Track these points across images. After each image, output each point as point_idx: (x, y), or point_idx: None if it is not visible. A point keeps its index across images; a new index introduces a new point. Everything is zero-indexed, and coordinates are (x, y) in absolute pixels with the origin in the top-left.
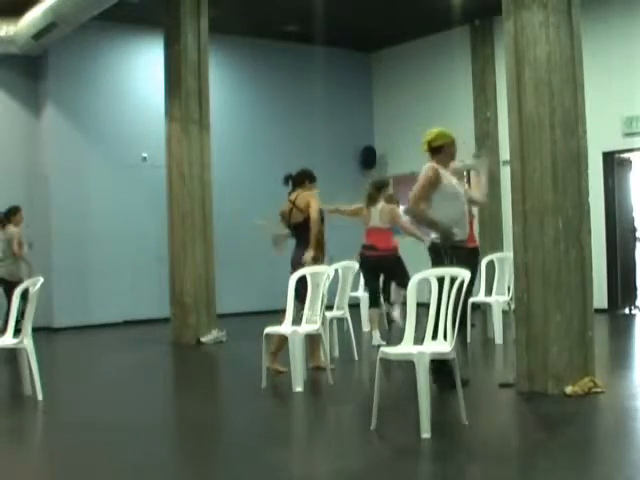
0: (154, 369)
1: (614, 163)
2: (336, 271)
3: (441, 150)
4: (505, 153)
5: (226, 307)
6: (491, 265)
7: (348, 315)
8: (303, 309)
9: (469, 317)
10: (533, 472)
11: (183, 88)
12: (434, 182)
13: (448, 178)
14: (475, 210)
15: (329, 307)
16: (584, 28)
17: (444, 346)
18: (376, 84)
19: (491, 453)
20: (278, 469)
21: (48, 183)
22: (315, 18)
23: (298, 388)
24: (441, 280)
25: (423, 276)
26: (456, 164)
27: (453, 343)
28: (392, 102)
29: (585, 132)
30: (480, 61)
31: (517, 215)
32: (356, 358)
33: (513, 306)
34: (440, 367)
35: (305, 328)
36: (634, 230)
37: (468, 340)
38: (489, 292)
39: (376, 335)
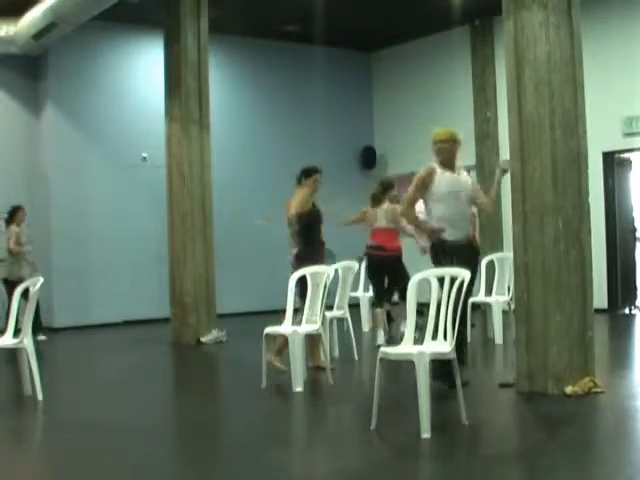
0: (154, 369)
1: (614, 163)
2: (336, 271)
3: (442, 149)
4: (505, 153)
5: (226, 307)
6: (491, 265)
7: (348, 315)
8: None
9: (469, 317)
10: (533, 472)
11: (183, 88)
12: (426, 182)
13: (446, 178)
14: (475, 210)
15: (329, 307)
16: (584, 28)
17: (444, 346)
18: (376, 84)
19: (491, 453)
20: (278, 469)
21: (48, 183)
22: (315, 18)
23: (298, 388)
24: (442, 280)
25: (423, 276)
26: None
27: (453, 343)
28: (392, 102)
29: (585, 132)
30: (480, 61)
31: (517, 215)
32: (356, 358)
33: (513, 306)
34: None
35: (305, 328)
36: (634, 230)
37: (468, 340)
38: (489, 292)
39: (380, 335)
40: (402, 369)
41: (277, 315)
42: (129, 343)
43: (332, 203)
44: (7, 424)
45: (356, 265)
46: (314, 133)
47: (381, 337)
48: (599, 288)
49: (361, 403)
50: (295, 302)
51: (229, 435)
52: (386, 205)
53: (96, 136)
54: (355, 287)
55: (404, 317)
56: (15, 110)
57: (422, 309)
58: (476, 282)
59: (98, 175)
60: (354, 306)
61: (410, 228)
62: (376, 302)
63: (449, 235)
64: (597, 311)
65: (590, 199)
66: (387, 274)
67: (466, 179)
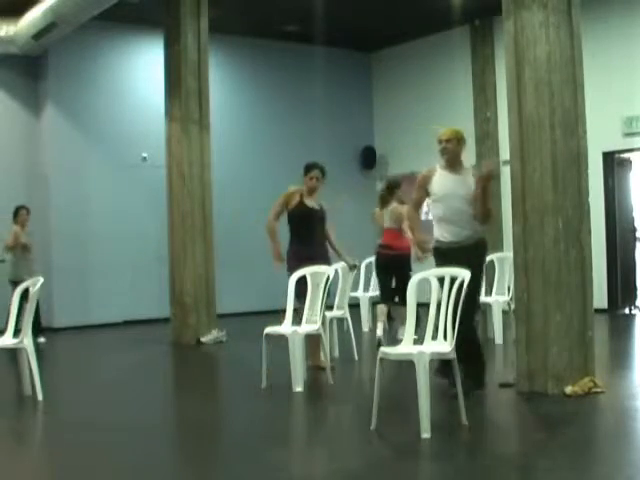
0: (154, 369)
1: (614, 163)
2: (336, 271)
3: (447, 149)
4: (505, 153)
5: (226, 307)
6: (491, 265)
7: (348, 315)
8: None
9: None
10: (533, 472)
11: (183, 88)
12: (424, 183)
13: (445, 178)
14: None
15: (329, 307)
16: (584, 28)
17: (444, 346)
18: (376, 84)
19: (491, 453)
20: (278, 469)
21: (48, 183)
22: (315, 18)
23: (298, 388)
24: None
25: (423, 276)
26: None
27: (453, 343)
28: (392, 102)
29: (585, 132)
30: (480, 61)
31: (517, 215)
32: (356, 358)
33: (513, 306)
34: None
35: (305, 328)
36: (634, 230)
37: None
38: (489, 292)
39: (380, 327)
40: (402, 369)
41: (277, 315)
42: (129, 343)
43: (332, 203)
44: (7, 424)
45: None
46: (314, 133)
47: (380, 329)
48: (599, 288)
49: (361, 403)
50: (295, 302)
51: (229, 435)
52: (392, 206)
53: (96, 136)
54: (355, 287)
55: (402, 322)
56: (15, 110)
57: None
58: None
59: (98, 175)
60: (354, 306)
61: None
62: (381, 298)
63: (445, 237)
64: (597, 311)
65: (590, 199)
66: (394, 273)
67: (467, 182)
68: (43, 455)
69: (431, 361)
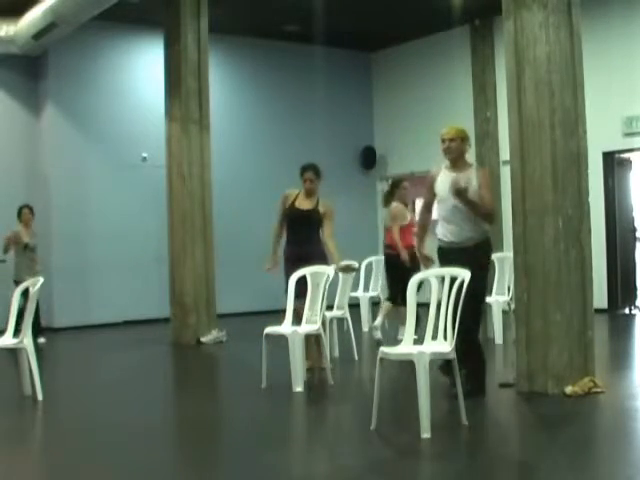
0: (154, 369)
1: (614, 163)
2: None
3: (450, 148)
4: (505, 153)
5: (226, 307)
6: (491, 265)
7: (348, 315)
8: (302, 308)
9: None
10: (533, 472)
11: (183, 88)
12: (430, 185)
13: (448, 178)
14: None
15: (329, 307)
16: (584, 28)
17: (444, 346)
18: (376, 84)
19: (491, 453)
20: (278, 469)
21: (48, 183)
22: (315, 18)
23: (298, 388)
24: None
25: (423, 276)
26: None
27: (453, 343)
28: (392, 102)
29: (585, 132)
30: (480, 61)
31: (517, 215)
32: (356, 358)
33: (513, 306)
34: (473, 370)
35: (305, 328)
36: (634, 230)
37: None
38: (489, 292)
39: (379, 320)
40: (402, 369)
41: (277, 315)
42: (129, 343)
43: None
44: (7, 424)
45: (356, 264)
46: (314, 133)
47: (378, 321)
48: (599, 288)
49: (361, 403)
50: (295, 302)
51: (229, 435)
52: (392, 205)
53: (96, 136)
54: (355, 287)
55: (402, 322)
56: (15, 110)
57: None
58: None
59: (98, 175)
60: (354, 306)
61: (395, 234)
62: (388, 297)
63: (447, 237)
64: (597, 311)
65: (590, 199)
66: (395, 272)
67: (468, 181)
68: (43, 455)
69: (432, 360)
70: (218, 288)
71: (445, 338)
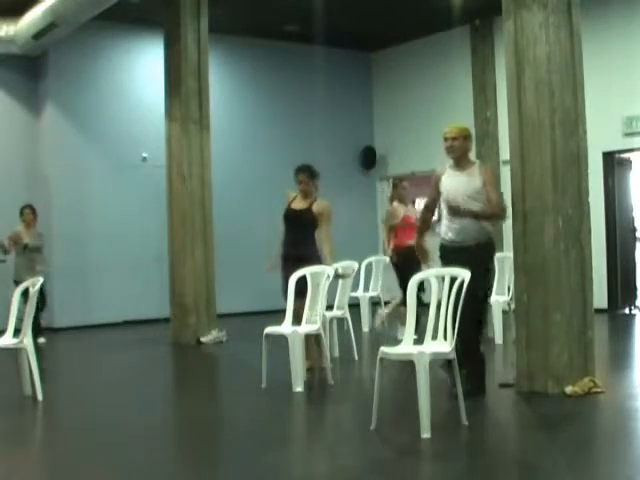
0: (154, 369)
1: (614, 163)
2: (336, 270)
3: (453, 147)
4: (505, 153)
5: (226, 307)
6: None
7: (348, 315)
8: (302, 308)
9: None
10: (533, 472)
11: (183, 88)
12: (435, 184)
13: (451, 177)
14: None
15: (329, 307)
16: (584, 28)
17: (444, 346)
18: (376, 84)
19: (491, 453)
20: (278, 469)
21: (48, 183)
22: (315, 18)
23: (298, 388)
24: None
25: (423, 276)
26: None
27: (453, 343)
28: (392, 102)
29: (585, 132)
30: (480, 61)
31: (517, 215)
32: (356, 358)
33: (513, 306)
34: (473, 370)
35: (305, 328)
36: (634, 230)
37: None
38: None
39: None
40: (402, 369)
41: (277, 315)
42: (129, 343)
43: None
44: (7, 424)
45: (356, 265)
46: (314, 133)
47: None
48: (599, 288)
49: (361, 403)
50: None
51: (229, 435)
52: (392, 204)
53: (96, 136)
54: (355, 287)
55: (402, 322)
56: (15, 110)
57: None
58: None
59: (98, 175)
60: (354, 306)
61: (384, 234)
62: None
63: (448, 236)
64: (597, 311)
65: (590, 199)
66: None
67: (472, 179)
68: (43, 455)
69: (432, 360)
70: (218, 288)
71: (445, 338)
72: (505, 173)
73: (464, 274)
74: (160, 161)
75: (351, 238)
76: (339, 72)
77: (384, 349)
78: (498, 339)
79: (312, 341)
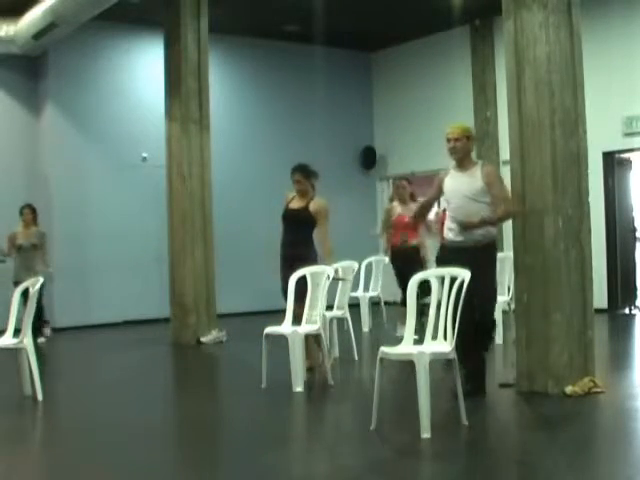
0: (154, 369)
1: (614, 163)
2: (336, 271)
3: (456, 148)
4: (505, 153)
5: (226, 307)
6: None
7: (348, 315)
8: (301, 309)
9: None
10: (533, 472)
11: (183, 88)
12: (438, 183)
13: (453, 177)
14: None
15: (329, 307)
16: (584, 28)
17: (444, 346)
18: (376, 84)
19: (491, 453)
20: (278, 469)
21: (48, 183)
22: (315, 18)
23: (298, 388)
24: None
25: (423, 276)
26: None
27: (453, 343)
28: (392, 102)
29: (585, 132)
30: (480, 61)
31: (517, 215)
32: (356, 358)
33: (513, 306)
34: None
35: (305, 328)
36: (634, 230)
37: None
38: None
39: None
40: (402, 369)
41: (277, 315)
42: (129, 343)
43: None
44: (7, 424)
45: (356, 265)
46: (314, 133)
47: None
48: (599, 288)
49: (361, 403)
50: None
51: (229, 435)
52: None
53: (96, 136)
54: (355, 287)
55: (402, 321)
56: (15, 110)
57: (423, 309)
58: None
59: (98, 175)
60: (354, 306)
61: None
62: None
63: (449, 236)
64: (597, 311)
65: (590, 199)
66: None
67: (472, 180)
68: (43, 455)
69: (432, 360)
70: (218, 288)
71: (445, 338)
72: (505, 173)
73: (464, 274)
74: (160, 161)
75: (351, 238)
76: (339, 72)
77: (384, 349)
78: (498, 339)
79: (312, 341)
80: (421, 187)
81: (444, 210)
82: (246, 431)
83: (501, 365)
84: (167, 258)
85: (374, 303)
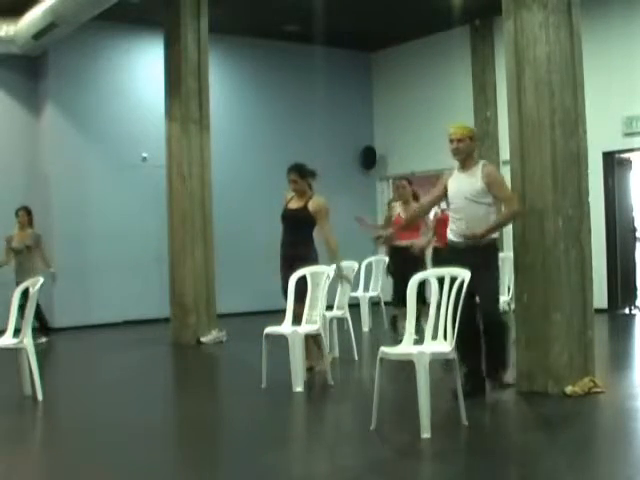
0: (154, 369)
1: (614, 163)
2: (340, 269)
3: (459, 149)
4: (505, 153)
5: (226, 307)
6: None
7: (348, 315)
8: (300, 309)
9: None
10: (533, 472)
11: (183, 88)
12: (441, 183)
13: (455, 178)
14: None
15: (329, 307)
16: (584, 28)
17: (444, 346)
18: (376, 84)
19: (491, 453)
20: (278, 469)
21: (48, 183)
22: (315, 18)
23: (298, 388)
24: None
25: (423, 276)
26: None
27: (453, 343)
28: (392, 102)
29: (585, 132)
30: (480, 61)
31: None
32: (356, 358)
33: (513, 306)
34: (473, 370)
35: (305, 328)
36: (634, 230)
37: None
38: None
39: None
40: (402, 369)
41: (277, 315)
42: (129, 343)
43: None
44: (7, 424)
45: (356, 265)
46: (314, 133)
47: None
48: (599, 288)
49: (361, 403)
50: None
51: (229, 435)
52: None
53: (96, 136)
54: (355, 287)
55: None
56: (15, 110)
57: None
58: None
59: (98, 175)
60: (354, 306)
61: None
62: None
63: (450, 237)
64: (597, 311)
65: (590, 199)
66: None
67: (472, 180)
68: (43, 455)
69: (432, 360)
70: (218, 288)
71: (445, 338)
72: (505, 173)
73: (464, 274)
74: (160, 161)
75: (351, 238)
76: (339, 72)
77: (384, 349)
78: None
79: (312, 341)
80: (421, 187)
81: (442, 211)
82: (246, 431)
83: None
84: (167, 258)
85: (374, 303)
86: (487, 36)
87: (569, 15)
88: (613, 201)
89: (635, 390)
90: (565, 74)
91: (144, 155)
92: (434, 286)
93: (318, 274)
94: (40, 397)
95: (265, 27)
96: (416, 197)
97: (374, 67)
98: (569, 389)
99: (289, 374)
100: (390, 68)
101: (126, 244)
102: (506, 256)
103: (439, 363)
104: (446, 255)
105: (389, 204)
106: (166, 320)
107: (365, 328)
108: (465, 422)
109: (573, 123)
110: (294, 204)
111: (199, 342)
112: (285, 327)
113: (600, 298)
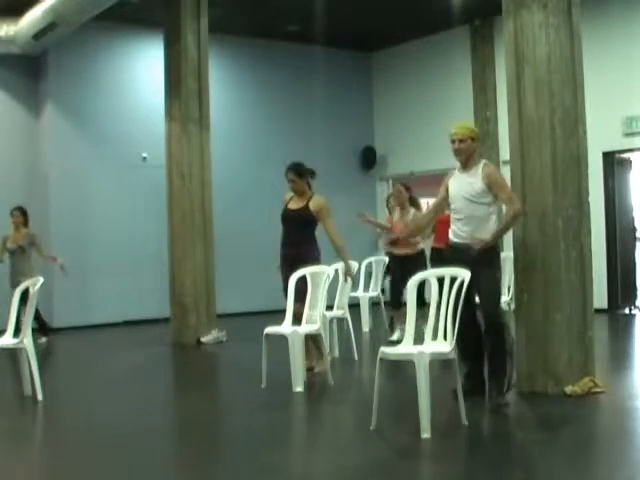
0: (154, 369)
1: (614, 163)
2: (336, 271)
3: (460, 150)
4: (505, 153)
5: (226, 307)
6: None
7: (348, 315)
8: (300, 309)
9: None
10: (533, 472)
11: (183, 88)
12: (441, 188)
13: (456, 179)
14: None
15: (329, 307)
16: (584, 28)
17: (444, 346)
18: (376, 84)
19: (491, 453)
20: (278, 469)
21: (48, 183)
22: (316, 18)
23: (298, 388)
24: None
25: (423, 276)
26: None
27: (453, 343)
28: (392, 102)
29: (585, 132)
30: (480, 61)
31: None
32: (356, 358)
33: (513, 306)
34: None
35: (305, 328)
36: (634, 230)
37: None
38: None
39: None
40: (402, 369)
41: (277, 315)
42: (129, 343)
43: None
44: (7, 424)
45: (356, 265)
46: (314, 133)
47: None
48: (599, 288)
49: (361, 403)
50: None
51: (229, 435)
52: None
53: (96, 136)
54: (355, 287)
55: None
56: (15, 110)
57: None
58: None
59: (98, 175)
60: (354, 306)
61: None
62: None
63: (450, 237)
64: (597, 311)
65: (590, 199)
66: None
67: (472, 181)
68: (43, 455)
69: (432, 360)
70: (218, 288)
71: (445, 338)
72: (505, 173)
73: (464, 274)
74: (160, 161)
75: (351, 238)
76: (339, 72)
77: (384, 349)
78: None
79: (312, 341)
80: (421, 187)
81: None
82: (246, 431)
83: None
84: (167, 258)
85: (374, 303)
86: (487, 36)
87: (569, 15)
88: (613, 201)
89: (635, 390)
90: (565, 74)
91: (144, 155)
92: (434, 286)
93: (318, 274)
94: (40, 397)
95: (265, 27)
96: (413, 202)
97: (374, 67)
98: (569, 389)
99: (289, 374)
100: (390, 68)
101: (126, 244)
102: (506, 256)
103: (439, 363)
104: (447, 255)
105: (388, 199)
106: (166, 320)
107: (365, 328)
108: (465, 422)
109: (573, 123)
110: (294, 204)
111: (199, 342)
112: (285, 327)
113: (600, 298)
